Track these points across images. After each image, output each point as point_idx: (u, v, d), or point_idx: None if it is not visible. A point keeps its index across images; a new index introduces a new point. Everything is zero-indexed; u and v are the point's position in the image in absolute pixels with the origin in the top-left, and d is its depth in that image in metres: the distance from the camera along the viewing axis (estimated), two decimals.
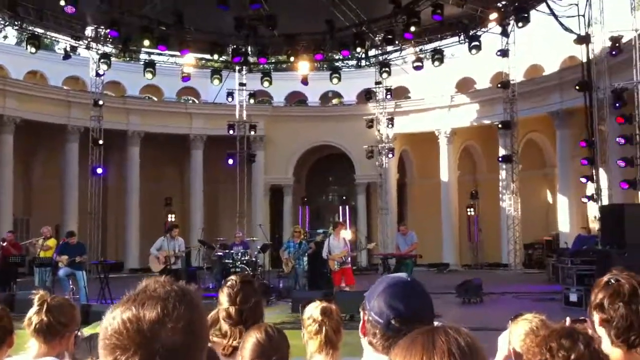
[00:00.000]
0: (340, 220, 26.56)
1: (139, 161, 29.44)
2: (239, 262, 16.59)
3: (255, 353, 2.58)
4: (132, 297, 1.24)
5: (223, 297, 3.26)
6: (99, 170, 26.05)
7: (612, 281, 2.55)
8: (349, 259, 15.60)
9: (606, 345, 2.55)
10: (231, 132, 27.87)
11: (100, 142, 26.10)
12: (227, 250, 17.28)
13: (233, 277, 3.41)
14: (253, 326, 2.80)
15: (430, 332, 1.26)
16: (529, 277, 23.34)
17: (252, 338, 2.62)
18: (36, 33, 22.14)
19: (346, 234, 17.51)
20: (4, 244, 17.65)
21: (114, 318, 1.21)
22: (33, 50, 21.43)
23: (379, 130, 29.22)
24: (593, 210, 22.88)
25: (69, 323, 3.25)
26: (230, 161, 27.92)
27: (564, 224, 25.70)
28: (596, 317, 2.56)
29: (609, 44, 19.97)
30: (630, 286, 2.49)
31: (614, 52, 19.90)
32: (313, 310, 3.23)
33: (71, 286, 15.01)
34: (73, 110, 27.33)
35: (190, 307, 1.24)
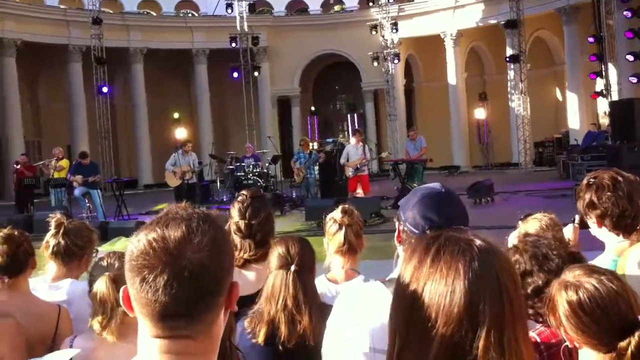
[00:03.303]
0: (356, 127, 26.38)
1: (143, 78, 29.22)
2: (250, 174, 16.69)
3: (277, 264, 2.70)
4: (155, 221, 1.26)
5: (234, 212, 3.37)
6: (105, 89, 25.92)
7: (592, 180, 2.66)
8: (365, 167, 15.73)
9: (610, 244, 2.63)
10: (233, 44, 27.44)
11: (104, 60, 25.83)
12: (238, 163, 17.37)
13: (244, 191, 3.50)
14: (278, 239, 2.90)
15: (466, 255, 1.23)
16: (539, 175, 23.41)
17: (275, 251, 2.75)
18: None
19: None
20: (18, 166, 17.84)
21: (139, 240, 1.23)
22: None
23: (383, 36, 28.73)
24: (603, 106, 22.75)
25: (86, 246, 3.32)
26: (235, 74, 27.64)
27: (574, 121, 25.56)
28: (592, 217, 2.64)
29: None
30: (610, 177, 2.61)
31: None
32: (335, 212, 3.32)
33: (87, 204, 15.23)
34: (72, 29, 26.92)
35: (214, 226, 1.26)
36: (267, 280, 2.74)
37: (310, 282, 2.74)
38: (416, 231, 1.86)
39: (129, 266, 1.23)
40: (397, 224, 1.98)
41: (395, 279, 1.83)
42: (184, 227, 1.23)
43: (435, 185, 1.99)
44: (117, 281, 2.32)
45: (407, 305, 1.27)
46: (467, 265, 1.22)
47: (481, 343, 1.17)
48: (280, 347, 2.61)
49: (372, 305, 1.86)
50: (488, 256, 1.24)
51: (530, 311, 2.13)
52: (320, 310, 2.62)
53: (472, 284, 1.20)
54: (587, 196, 2.65)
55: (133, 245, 1.24)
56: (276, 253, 2.74)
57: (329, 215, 3.35)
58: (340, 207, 3.33)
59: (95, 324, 2.37)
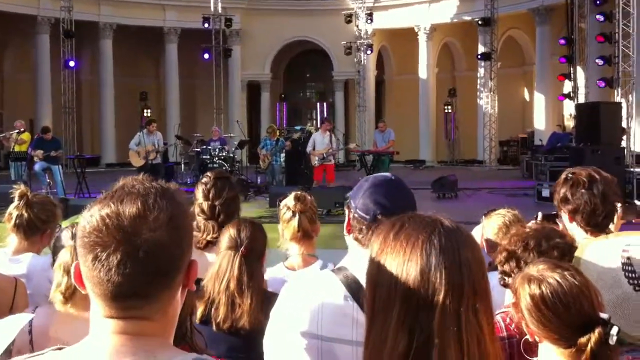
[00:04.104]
0: (324, 116, 26.41)
1: (112, 55, 28.73)
2: (216, 158, 16.57)
3: (226, 245, 2.69)
4: (109, 195, 1.20)
5: (198, 193, 3.36)
6: (72, 63, 25.46)
7: (570, 175, 2.70)
8: (332, 156, 15.77)
9: (579, 238, 2.67)
10: (206, 25, 27.15)
11: (72, 33, 25.34)
12: (204, 146, 17.23)
13: (209, 173, 3.49)
14: (232, 222, 2.88)
15: (427, 229, 1.25)
16: (503, 174, 23.69)
17: (227, 232, 2.74)
18: None
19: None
20: None
21: (92, 215, 1.17)
22: None
23: (357, 26, 28.71)
24: (569, 109, 23.08)
25: (49, 220, 3.26)
26: (206, 56, 27.41)
27: (540, 121, 25.87)
28: (565, 212, 2.68)
29: None
30: (587, 174, 2.65)
31: None
32: (288, 199, 3.32)
33: (48, 180, 14.98)
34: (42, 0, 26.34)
35: (172, 202, 1.20)
36: (215, 260, 2.72)
37: (257, 268, 2.71)
38: (367, 217, 1.85)
39: (81, 242, 1.17)
40: (346, 212, 1.96)
41: (344, 266, 1.84)
42: (139, 203, 1.16)
43: (385, 174, 2.02)
44: None
45: (372, 282, 1.28)
46: (427, 238, 1.24)
47: (437, 313, 1.19)
48: (214, 327, 2.59)
49: (316, 291, 1.84)
50: (451, 232, 1.26)
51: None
52: (263, 297, 2.61)
53: (429, 254, 1.22)
54: (562, 190, 2.70)
55: (85, 220, 1.18)
56: (227, 234, 2.72)
57: (282, 203, 3.35)
58: (292, 194, 3.32)
59: (58, 295, 2.29)
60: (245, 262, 2.64)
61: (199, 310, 2.62)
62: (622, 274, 2.00)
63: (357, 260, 1.84)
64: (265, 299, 2.61)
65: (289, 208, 3.26)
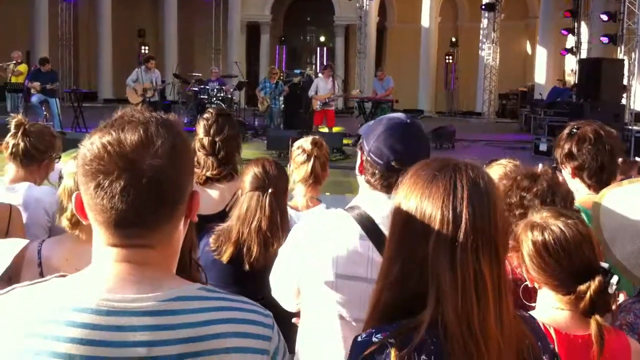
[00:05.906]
0: (327, 62, 26.20)
1: None
2: (214, 98, 16.45)
3: (252, 185, 2.66)
4: (109, 123, 1.18)
5: (199, 129, 3.36)
6: None
7: (575, 130, 2.66)
8: (333, 101, 15.80)
9: (582, 193, 2.65)
10: None
11: None
12: (202, 86, 17.07)
13: (211, 109, 3.46)
14: (253, 160, 2.85)
15: (452, 173, 1.30)
16: (501, 127, 23.62)
17: (250, 171, 2.70)
18: None
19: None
20: None
21: (92, 143, 1.15)
22: None
23: None
24: (570, 64, 22.91)
25: (46, 150, 3.23)
26: None
27: (541, 75, 25.64)
28: (568, 168, 2.64)
29: None
30: (593, 130, 2.61)
31: None
32: (304, 142, 3.30)
33: (45, 113, 14.88)
34: None
35: (173, 131, 1.19)
36: (240, 200, 2.69)
37: (284, 206, 2.72)
38: (380, 162, 1.85)
39: (82, 171, 1.15)
40: (359, 154, 1.95)
41: (357, 205, 1.84)
42: (141, 131, 1.15)
43: (400, 115, 1.96)
44: None
45: (400, 222, 1.32)
46: (435, 175, 1.31)
47: (431, 243, 1.25)
48: (247, 267, 2.60)
49: (334, 232, 1.85)
50: (464, 172, 1.31)
51: None
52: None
53: (430, 189, 1.29)
54: (567, 146, 2.65)
55: (86, 148, 1.16)
56: (252, 173, 2.68)
57: (298, 143, 3.32)
58: (310, 138, 3.31)
59: (64, 221, 2.28)
60: (275, 200, 2.63)
61: (228, 251, 2.61)
62: None
63: (368, 200, 1.85)
64: None
65: (304, 150, 3.26)
